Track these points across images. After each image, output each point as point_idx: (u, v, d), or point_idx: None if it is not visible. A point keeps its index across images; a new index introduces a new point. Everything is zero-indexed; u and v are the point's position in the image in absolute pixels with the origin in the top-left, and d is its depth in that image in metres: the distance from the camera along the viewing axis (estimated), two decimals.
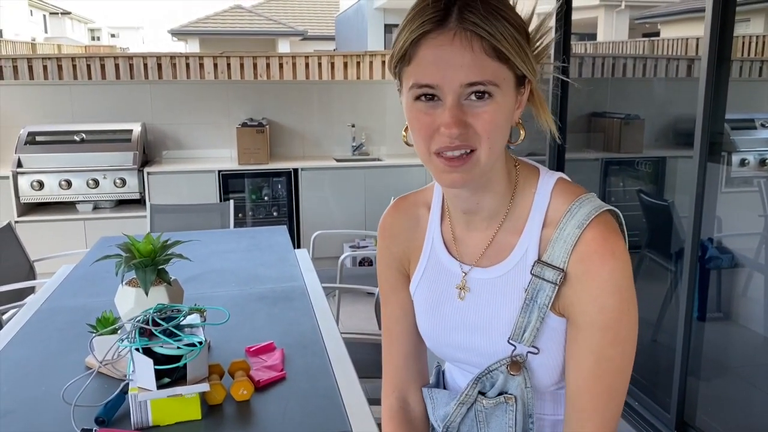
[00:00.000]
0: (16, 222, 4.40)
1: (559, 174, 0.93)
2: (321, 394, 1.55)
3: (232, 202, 3.76)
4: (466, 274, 0.95)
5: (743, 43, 3.88)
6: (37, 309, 2.13)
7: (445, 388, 1.10)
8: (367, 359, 2.45)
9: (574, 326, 0.86)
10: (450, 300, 0.97)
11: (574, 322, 0.86)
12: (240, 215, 4.81)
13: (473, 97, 0.80)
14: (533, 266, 0.88)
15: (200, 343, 1.39)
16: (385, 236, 1.07)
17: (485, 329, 0.93)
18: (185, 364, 1.37)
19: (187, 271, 2.31)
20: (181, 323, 1.44)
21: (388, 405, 1.11)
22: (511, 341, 0.89)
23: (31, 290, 2.99)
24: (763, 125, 3.93)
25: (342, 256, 3.57)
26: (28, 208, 4.67)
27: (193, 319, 1.49)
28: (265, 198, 4.91)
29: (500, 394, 0.93)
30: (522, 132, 0.88)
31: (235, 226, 3.65)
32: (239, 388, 1.50)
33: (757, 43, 5.00)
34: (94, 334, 1.61)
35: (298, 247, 4.57)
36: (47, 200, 4.60)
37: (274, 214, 4.91)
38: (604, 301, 0.83)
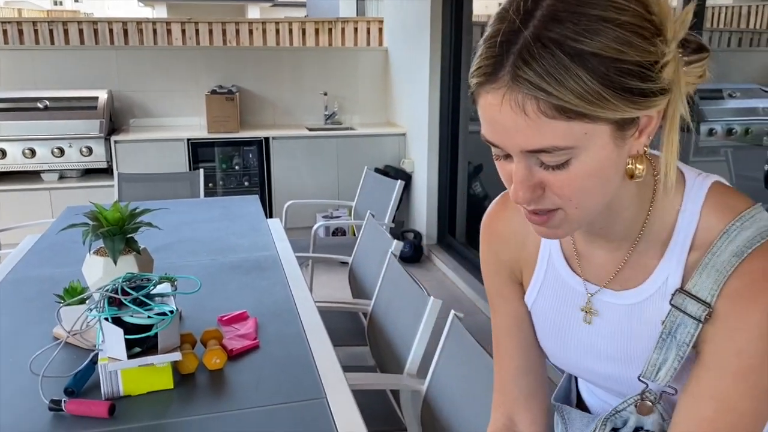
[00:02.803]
0: None
1: (713, 179, 0.75)
2: (295, 362, 1.54)
3: (202, 171, 3.70)
4: (592, 295, 0.82)
5: (712, 13, 3.90)
6: (1, 280, 2.08)
7: (579, 400, 0.99)
8: (341, 327, 2.46)
9: (702, 365, 0.71)
10: (575, 322, 0.85)
11: (703, 361, 0.72)
12: (210, 185, 4.74)
13: (545, 164, 0.65)
14: (674, 295, 0.73)
15: (171, 312, 1.37)
16: (491, 240, 0.93)
17: (619, 360, 0.81)
18: (156, 334, 1.35)
19: (156, 241, 2.28)
20: (152, 292, 1.42)
21: (494, 419, 1.00)
22: (642, 379, 0.76)
23: None
24: (730, 95, 3.98)
25: (315, 226, 3.55)
26: None
27: (164, 288, 1.47)
28: (236, 167, 4.84)
29: (636, 430, 0.81)
30: (641, 166, 0.69)
31: (205, 196, 3.60)
32: (212, 357, 1.49)
33: (725, 13, 5.05)
34: (61, 304, 1.58)
35: (270, 216, 4.55)
36: (10, 169, 4.47)
37: (246, 183, 4.85)
38: (746, 345, 0.68)
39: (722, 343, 0.70)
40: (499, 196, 0.94)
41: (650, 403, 0.78)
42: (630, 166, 0.69)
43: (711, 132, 3.87)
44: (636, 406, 0.79)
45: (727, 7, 5.10)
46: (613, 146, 0.65)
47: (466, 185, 4.55)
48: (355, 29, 5.69)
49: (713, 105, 3.92)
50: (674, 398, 0.76)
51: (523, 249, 0.90)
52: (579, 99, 0.60)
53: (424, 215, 4.73)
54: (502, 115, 0.63)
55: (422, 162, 4.66)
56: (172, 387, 1.41)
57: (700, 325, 0.71)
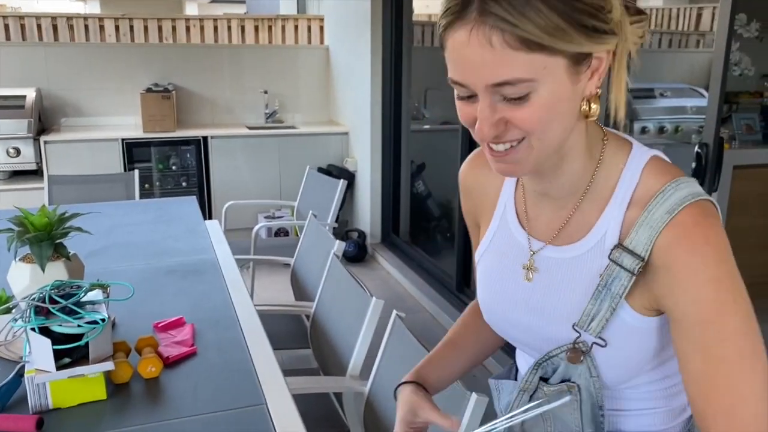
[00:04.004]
0: None
1: (656, 151, 0.82)
2: (234, 368, 1.51)
3: (137, 171, 3.59)
4: (534, 252, 0.87)
5: None
6: None
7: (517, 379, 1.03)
8: (283, 330, 2.43)
9: (673, 320, 0.76)
10: (515, 278, 0.90)
11: (671, 315, 0.76)
12: (147, 186, 4.61)
13: (507, 97, 0.70)
14: (612, 251, 0.78)
15: (103, 320, 1.32)
16: (461, 188, 1.00)
17: (550, 313, 0.86)
18: (87, 343, 1.30)
19: (88, 246, 2.19)
20: (82, 300, 1.36)
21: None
22: (576, 327, 0.82)
23: None
24: (662, 94, 4.13)
25: (256, 227, 3.50)
26: None
27: (95, 295, 1.41)
28: (173, 168, 4.72)
29: (562, 381, 0.85)
30: (595, 106, 0.75)
31: (141, 198, 3.49)
32: (147, 365, 1.44)
33: (656, 15, 5.23)
34: None
35: (210, 218, 4.45)
36: None
37: (183, 184, 4.73)
38: (697, 293, 0.73)
39: (678, 295, 0.74)
40: (473, 152, 1.00)
41: (581, 353, 0.82)
42: (585, 107, 0.75)
43: (643, 130, 4.00)
44: (567, 353, 0.83)
45: (657, 9, 5.29)
46: (568, 82, 0.71)
47: (409, 184, 4.58)
48: (296, 27, 5.64)
49: (645, 104, 4.06)
50: (603, 353, 0.81)
51: (485, 201, 0.96)
52: (540, 31, 0.66)
53: (368, 214, 4.73)
54: (470, 50, 0.68)
55: (365, 161, 4.65)
56: (105, 398, 1.36)
57: (633, 277, 0.76)
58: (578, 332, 0.82)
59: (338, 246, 2.21)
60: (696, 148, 2.15)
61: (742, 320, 0.73)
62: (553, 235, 0.85)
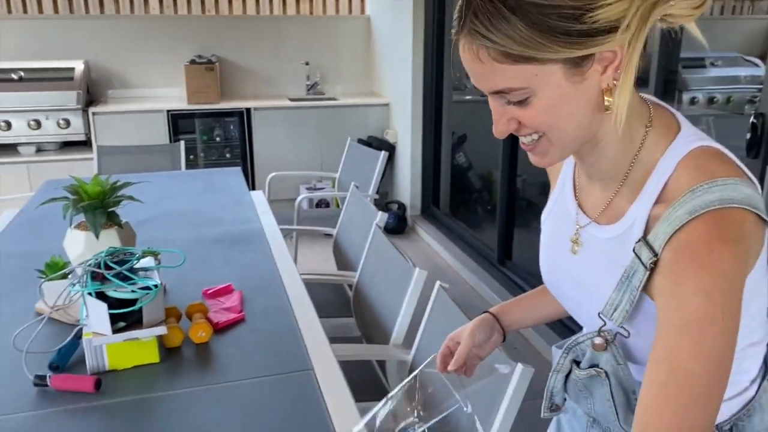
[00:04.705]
0: None
1: (704, 142, 0.76)
2: (281, 334, 1.54)
3: (183, 142, 3.65)
4: (581, 227, 0.88)
5: None
6: None
7: None
8: (326, 299, 2.46)
9: (658, 322, 0.74)
10: (564, 249, 0.91)
11: (658, 318, 0.74)
12: (191, 157, 4.69)
13: (510, 101, 0.74)
14: (636, 243, 0.77)
15: (155, 286, 1.36)
16: None
17: (588, 292, 0.87)
18: (141, 308, 1.34)
19: (138, 215, 2.25)
20: (135, 266, 1.41)
21: None
22: (601, 316, 0.82)
23: None
24: (712, 64, 3.99)
25: (298, 198, 3.53)
26: None
27: (147, 262, 1.45)
28: (217, 139, 4.78)
29: (591, 366, 0.86)
30: (610, 99, 0.73)
31: (186, 169, 3.56)
32: (197, 331, 1.48)
33: None
34: (43, 279, 1.56)
35: (253, 189, 4.51)
36: None
37: (227, 155, 4.80)
38: (685, 299, 0.70)
39: (666, 297, 0.73)
40: None
41: (605, 341, 0.82)
42: (608, 87, 0.73)
43: (693, 101, 3.88)
44: (592, 341, 0.84)
45: None
46: (569, 83, 0.72)
47: (450, 156, 4.55)
48: None
49: (695, 74, 3.93)
50: (628, 342, 0.82)
51: (555, 166, 0.97)
52: (519, 45, 0.69)
53: (408, 186, 4.73)
54: (467, 62, 0.74)
55: (406, 132, 4.63)
56: (157, 361, 1.41)
57: (647, 272, 0.75)
58: (603, 320, 0.82)
59: (380, 217, 2.23)
60: (752, 119, 2.08)
61: (722, 342, 0.69)
62: (598, 214, 0.86)
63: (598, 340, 0.83)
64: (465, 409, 0.99)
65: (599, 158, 0.81)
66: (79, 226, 1.61)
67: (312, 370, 1.39)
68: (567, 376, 0.91)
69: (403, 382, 1.01)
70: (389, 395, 1.00)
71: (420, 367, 1.03)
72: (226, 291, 1.73)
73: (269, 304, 1.69)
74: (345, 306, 2.38)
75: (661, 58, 2.39)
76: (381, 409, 0.98)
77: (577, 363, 0.88)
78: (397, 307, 1.84)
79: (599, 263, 0.85)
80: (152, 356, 1.41)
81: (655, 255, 0.74)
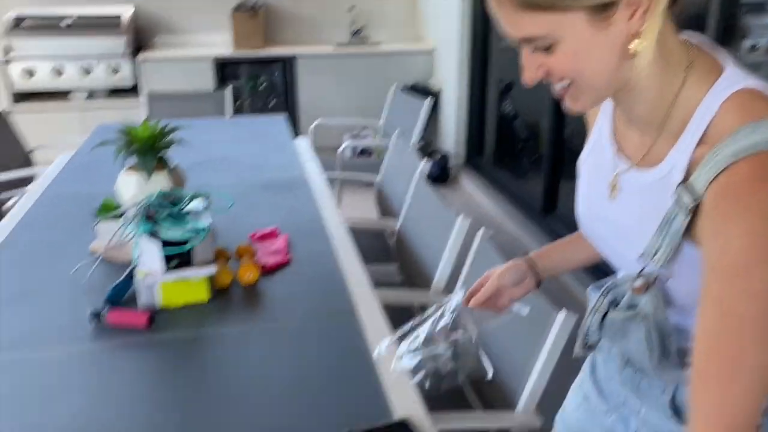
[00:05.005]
0: (8, 112, 4.31)
1: (749, 82, 0.74)
2: (325, 277, 1.58)
3: (229, 89, 3.67)
4: (619, 172, 0.87)
5: None
6: (39, 196, 2.13)
7: None
8: (369, 245, 2.49)
9: (704, 266, 0.72)
10: (602, 193, 0.90)
11: (704, 264, 0.72)
12: (237, 104, 4.72)
13: (537, 48, 0.74)
14: (677, 187, 0.76)
15: (205, 228, 1.40)
16: None
17: (626, 236, 0.87)
18: (191, 249, 1.38)
19: (186, 159, 2.28)
20: (185, 209, 1.44)
21: None
22: (642, 258, 0.82)
23: (29, 180, 2.98)
24: None
25: (342, 146, 3.54)
26: (19, 98, 4.56)
27: (197, 205, 1.49)
28: (263, 86, 4.80)
29: (629, 308, 0.87)
30: (637, 42, 0.73)
31: (232, 115, 3.59)
32: (246, 272, 1.52)
33: None
34: (98, 220, 1.62)
35: (297, 136, 4.53)
36: (39, 89, 4.48)
37: (272, 102, 4.82)
38: (730, 242, 0.68)
39: (709, 240, 0.72)
40: None
41: (646, 283, 0.83)
42: (636, 32, 0.72)
43: (753, 48, 3.71)
44: (632, 283, 0.84)
45: None
46: (594, 30, 0.71)
47: (496, 104, 4.47)
48: None
49: (756, 19, 3.74)
50: (667, 285, 0.82)
51: (592, 119, 0.96)
52: None
53: (452, 135, 4.68)
54: (492, 10, 0.75)
55: (451, 79, 4.56)
56: (207, 300, 1.46)
57: (688, 216, 0.74)
58: (644, 264, 0.82)
59: (424, 165, 2.22)
60: None
61: None
62: (637, 159, 0.85)
63: (638, 282, 0.83)
64: (472, 340, 1.04)
65: (636, 103, 0.80)
66: (131, 169, 1.65)
67: (356, 313, 1.42)
68: (603, 316, 0.91)
69: (430, 309, 1.06)
70: (416, 320, 1.05)
71: (450, 296, 1.07)
72: (273, 235, 1.77)
73: (313, 249, 1.72)
74: (384, 252, 2.41)
75: (721, 2, 2.27)
76: (408, 332, 1.04)
77: (615, 304, 0.89)
78: (438, 254, 1.85)
79: (638, 208, 0.84)
80: (202, 295, 1.45)
81: (697, 199, 0.73)
